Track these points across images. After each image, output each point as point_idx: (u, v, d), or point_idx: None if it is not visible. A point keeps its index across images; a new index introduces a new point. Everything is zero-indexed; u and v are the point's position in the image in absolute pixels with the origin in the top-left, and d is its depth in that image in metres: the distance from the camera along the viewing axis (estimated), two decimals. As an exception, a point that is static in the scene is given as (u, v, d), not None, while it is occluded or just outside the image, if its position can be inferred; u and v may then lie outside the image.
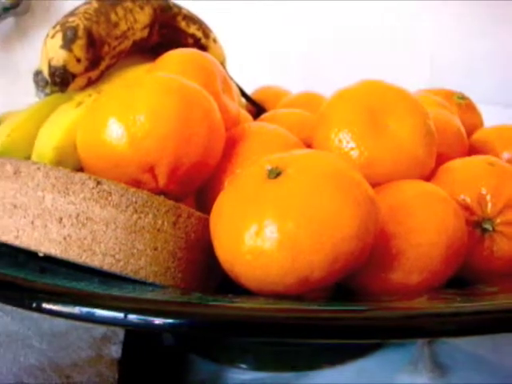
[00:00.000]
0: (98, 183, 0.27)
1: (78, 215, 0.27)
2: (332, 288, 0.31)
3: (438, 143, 0.37)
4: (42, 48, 0.42)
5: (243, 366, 0.41)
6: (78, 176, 0.27)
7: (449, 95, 0.51)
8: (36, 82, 0.46)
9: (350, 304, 0.28)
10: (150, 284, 0.29)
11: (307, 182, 0.27)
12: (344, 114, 0.36)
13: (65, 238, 0.27)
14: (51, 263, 0.30)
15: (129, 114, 0.31)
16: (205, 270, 0.31)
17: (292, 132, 0.38)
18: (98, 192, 0.27)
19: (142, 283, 0.29)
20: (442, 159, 0.38)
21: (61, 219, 0.27)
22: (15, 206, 0.28)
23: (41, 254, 0.28)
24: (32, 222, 0.28)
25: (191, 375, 0.42)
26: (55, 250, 0.27)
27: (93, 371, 0.37)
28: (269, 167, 0.28)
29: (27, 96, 0.77)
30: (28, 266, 0.30)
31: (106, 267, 0.27)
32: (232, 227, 0.28)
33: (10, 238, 0.28)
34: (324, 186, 0.28)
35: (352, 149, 0.35)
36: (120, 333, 0.42)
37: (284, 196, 0.27)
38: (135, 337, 0.42)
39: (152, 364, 0.41)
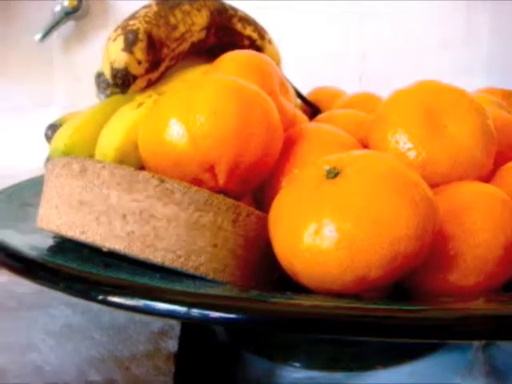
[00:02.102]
0: (161, 181, 0.28)
1: (141, 212, 0.28)
2: (388, 287, 0.31)
3: (496, 143, 0.37)
4: (103, 51, 0.44)
5: (296, 364, 0.41)
6: (142, 174, 0.28)
7: (506, 95, 0.51)
8: (97, 84, 0.48)
9: (407, 304, 0.28)
10: (209, 280, 0.29)
11: (365, 183, 0.28)
12: (401, 115, 0.36)
13: (128, 234, 0.28)
14: (114, 258, 0.31)
15: (189, 115, 0.32)
16: (262, 267, 0.32)
17: (348, 133, 0.38)
18: (161, 190, 0.28)
19: (201, 279, 0.29)
20: (500, 159, 0.37)
21: (125, 216, 0.28)
22: (81, 203, 0.29)
23: (105, 250, 0.29)
24: (97, 219, 0.29)
25: (245, 371, 0.42)
26: (119, 246, 0.28)
27: (150, 364, 0.38)
28: (327, 167, 0.29)
29: (86, 98, 0.80)
30: (92, 260, 0.31)
31: (167, 263, 0.28)
32: (291, 226, 0.28)
33: (75, 234, 0.29)
34: (382, 187, 0.28)
35: (409, 149, 0.35)
36: (176, 328, 0.43)
37: (342, 196, 0.27)
38: (191, 332, 0.43)
39: (207, 359, 0.42)
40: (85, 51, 0.81)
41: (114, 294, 0.25)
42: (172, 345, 0.40)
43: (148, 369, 0.37)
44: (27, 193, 0.49)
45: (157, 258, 0.28)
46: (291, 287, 0.29)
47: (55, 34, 0.79)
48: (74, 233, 0.29)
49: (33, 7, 0.81)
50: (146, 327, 0.43)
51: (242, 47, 0.51)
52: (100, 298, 0.25)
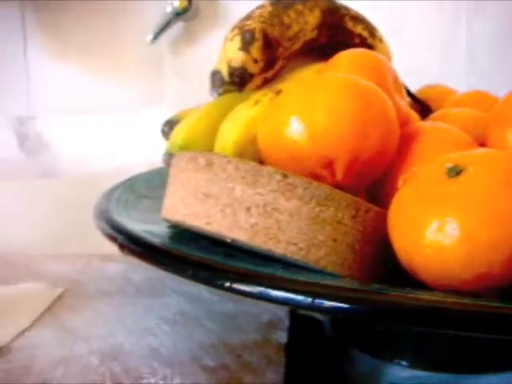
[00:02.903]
0: (284, 176, 0.29)
1: (264, 205, 0.29)
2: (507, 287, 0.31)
3: None
4: (221, 50, 0.45)
5: (403, 362, 0.41)
6: (266, 170, 0.30)
7: None
8: (212, 82, 0.49)
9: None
10: (328, 273, 0.30)
11: (489, 181, 0.28)
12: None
13: (252, 226, 0.29)
14: (232, 249, 0.32)
15: (309, 113, 0.33)
16: (378, 262, 0.32)
17: (464, 131, 0.38)
18: (284, 185, 0.29)
19: (319, 272, 0.30)
20: None
21: (249, 208, 0.30)
22: (207, 195, 0.31)
23: (228, 240, 0.30)
24: (222, 210, 0.30)
25: (351, 367, 0.43)
26: (243, 237, 0.30)
27: (261, 353, 0.39)
28: (449, 165, 0.29)
29: (194, 96, 0.82)
30: (212, 250, 0.32)
31: (288, 255, 0.29)
32: (412, 222, 0.28)
33: (201, 224, 0.31)
34: (506, 185, 0.28)
35: (530, 148, 0.34)
36: (285, 320, 0.44)
37: (465, 194, 0.28)
38: (299, 325, 0.44)
39: (315, 352, 0.42)
40: (194, 51, 0.83)
41: (241, 281, 0.27)
42: (281, 336, 0.41)
43: (259, 357, 0.38)
44: (142, 186, 0.51)
45: (279, 249, 0.29)
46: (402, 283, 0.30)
47: (165, 35, 0.82)
48: (199, 223, 0.31)
49: (144, 9, 0.84)
50: (256, 318, 0.44)
51: (353, 46, 0.51)
52: (227, 285, 0.27)
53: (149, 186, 0.51)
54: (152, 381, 0.36)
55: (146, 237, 0.33)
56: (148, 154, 0.77)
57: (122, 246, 0.34)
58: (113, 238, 0.35)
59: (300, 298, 0.25)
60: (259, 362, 0.38)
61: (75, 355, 0.39)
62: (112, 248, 0.60)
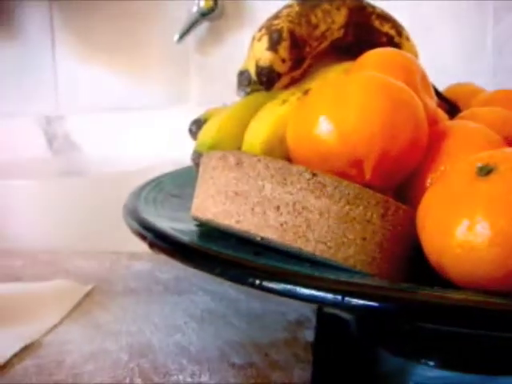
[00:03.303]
0: (314, 175, 0.29)
1: (294, 204, 0.29)
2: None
3: None
4: (248, 50, 0.46)
5: (430, 363, 0.41)
6: (296, 168, 0.30)
7: None
8: (239, 81, 0.50)
9: None
10: (356, 272, 0.30)
11: (520, 180, 0.28)
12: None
13: (281, 225, 0.30)
14: (259, 247, 0.32)
15: (338, 112, 0.33)
16: (406, 261, 0.32)
17: (493, 130, 0.38)
18: (314, 183, 0.29)
19: (347, 271, 0.30)
20: None
21: (278, 207, 0.30)
22: (237, 194, 0.31)
23: (257, 239, 0.31)
24: (252, 209, 0.30)
25: (378, 366, 0.43)
26: (272, 235, 0.30)
27: (289, 352, 0.39)
28: (479, 164, 0.29)
29: (220, 95, 0.83)
30: (240, 249, 0.33)
31: (318, 253, 0.29)
32: (442, 222, 0.28)
33: (231, 223, 0.31)
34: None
35: (562, 148, 0.34)
36: (313, 318, 0.44)
37: (496, 193, 0.27)
38: (326, 324, 0.44)
39: (342, 351, 0.42)
40: (219, 51, 0.84)
41: (270, 279, 0.27)
42: (309, 335, 0.41)
43: (287, 356, 0.38)
44: (169, 184, 0.52)
45: (308, 248, 0.29)
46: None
47: (191, 35, 0.83)
48: (229, 222, 0.31)
49: (170, 9, 0.85)
50: (283, 317, 0.45)
51: (380, 45, 0.51)
52: (256, 283, 0.27)
53: (176, 185, 0.52)
54: (180, 377, 0.36)
55: (175, 235, 0.34)
56: (174, 152, 0.78)
57: (151, 244, 0.34)
58: (142, 237, 0.35)
59: (330, 296, 0.25)
60: (287, 360, 0.38)
61: (105, 351, 0.40)
62: (139, 246, 0.61)
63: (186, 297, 0.49)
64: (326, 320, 0.45)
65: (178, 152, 0.79)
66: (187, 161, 0.65)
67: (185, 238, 0.34)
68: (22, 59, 0.93)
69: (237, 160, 0.31)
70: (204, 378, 0.36)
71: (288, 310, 0.46)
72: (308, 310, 0.45)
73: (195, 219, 0.36)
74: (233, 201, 0.31)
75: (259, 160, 0.31)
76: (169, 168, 0.61)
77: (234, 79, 0.83)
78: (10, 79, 0.94)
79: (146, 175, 0.57)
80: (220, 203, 0.32)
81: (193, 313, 0.46)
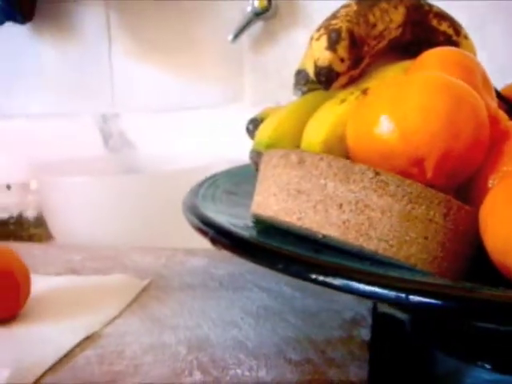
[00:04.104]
0: (377, 174, 0.30)
1: (357, 202, 0.30)
2: None
3: None
4: (307, 49, 0.46)
5: (486, 365, 0.41)
6: (358, 167, 0.30)
7: None
8: (297, 80, 0.50)
9: None
10: (417, 271, 0.30)
11: None
12: None
13: (344, 223, 0.30)
14: (317, 245, 0.33)
15: (400, 111, 0.33)
16: (467, 261, 0.32)
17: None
18: (377, 182, 0.30)
19: (408, 269, 0.30)
20: None
21: (341, 205, 0.30)
22: (299, 192, 0.31)
23: (319, 236, 0.31)
24: (314, 207, 0.31)
25: (433, 367, 0.42)
26: (334, 233, 0.30)
27: (345, 350, 0.39)
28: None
29: (273, 94, 0.84)
30: (300, 245, 0.33)
31: (380, 251, 0.30)
32: (506, 222, 0.28)
33: (293, 220, 0.32)
34: None
35: None
36: (368, 317, 0.44)
37: None
38: (382, 323, 0.44)
39: (398, 350, 0.42)
40: (273, 50, 0.84)
41: (334, 276, 0.27)
42: (365, 333, 0.42)
43: (343, 353, 0.39)
44: (226, 182, 0.52)
45: (370, 246, 0.30)
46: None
47: (245, 34, 0.84)
48: (291, 219, 0.32)
49: (224, 9, 0.86)
50: (338, 315, 0.45)
51: (438, 43, 0.51)
52: (320, 279, 0.27)
53: (232, 183, 0.52)
54: (238, 371, 0.37)
55: (236, 231, 0.34)
56: (228, 150, 0.79)
57: (213, 240, 0.35)
58: (204, 232, 0.36)
59: (393, 294, 0.25)
60: (343, 358, 0.38)
61: (163, 344, 0.41)
62: (194, 243, 0.62)
63: (242, 293, 0.50)
64: (381, 319, 0.45)
65: (232, 150, 0.80)
66: (241, 159, 0.66)
67: (246, 234, 0.34)
68: (80, 59, 0.95)
69: (299, 158, 0.32)
70: (261, 373, 0.36)
71: (343, 308, 0.46)
72: (363, 309, 0.46)
73: (255, 216, 0.36)
74: (295, 198, 0.32)
75: (322, 158, 0.31)
76: (223, 166, 0.62)
77: (287, 78, 0.83)
78: (68, 79, 0.97)
79: (200, 173, 0.58)
80: (282, 201, 0.32)
81: (249, 309, 0.47)
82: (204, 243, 0.65)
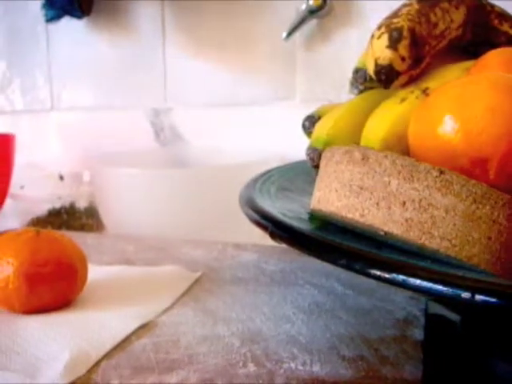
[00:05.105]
0: (441, 173, 0.30)
1: (420, 200, 0.30)
2: None
3: None
4: (367, 48, 0.46)
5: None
6: (423, 165, 0.30)
7: None
8: (354, 79, 0.50)
9: None
10: (480, 271, 0.30)
11: None
12: None
13: (407, 221, 0.30)
14: (376, 242, 0.33)
15: (465, 111, 0.33)
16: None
17: None
18: (441, 181, 0.30)
19: (470, 269, 0.30)
20: None
21: (404, 203, 0.30)
22: (361, 188, 0.32)
23: (381, 233, 0.31)
24: (377, 204, 0.31)
25: (486, 369, 0.42)
26: (397, 231, 0.30)
27: (399, 349, 0.39)
28: None
29: (324, 92, 0.84)
30: (360, 242, 0.33)
31: (442, 250, 0.30)
32: None
33: (355, 216, 0.32)
34: None
35: None
36: (421, 318, 0.44)
37: None
38: (435, 324, 0.44)
39: (451, 352, 0.42)
40: (326, 48, 0.84)
41: (399, 273, 0.27)
42: (418, 333, 0.41)
43: (397, 352, 0.39)
44: (281, 178, 0.53)
45: (432, 245, 0.30)
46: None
47: (299, 32, 0.84)
48: (353, 215, 0.32)
49: (278, 7, 0.87)
50: (391, 314, 0.45)
51: (499, 44, 0.50)
52: (385, 276, 0.27)
53: (286, 179, 0.53)
54: (292, 365, 0.37)
55: (296, 225, 0.34)
56: (279, 147, 0.80)
57: (273, 234, 0.35)
58: (263, 227, 0.37)
59: (459, 292, 0.25)
60: (397, 356, 0.38)
61: (217, 335, 0.42)
62: (244, 237, 0.63)
63: (293, 289, 0.51)
64: (433, 320, 0.44)
65: (282, 147, 0.81)
66: (292, 155, 0.67)
67: (307, 229, 0.35)
68: (134, 55, 0.97)
69: (362, 155, 0.32)
70: (315, 368, 0.37)
71: (395, 307, 0.46)
72: (415, 309, 0.46)
73: (316, 212, 0.36)
74: (357, 195, 0.32)
75: (386, 156, 0.31)
76: (274, 162, 0.63)
77: (338, 77, 0.83)
78: (123, 74, 0.99)
79: (249, 169, 0.58)
80: (344, 197, 0.32)
81: (300, 304, 0.47)
82: (252, 238, 0.66)
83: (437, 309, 0.46)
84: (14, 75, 1.10)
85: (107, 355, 0.39)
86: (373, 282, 0.51)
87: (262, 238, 0.64)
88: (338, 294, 0.49)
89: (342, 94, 0.81)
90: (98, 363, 0.38)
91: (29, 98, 1.08)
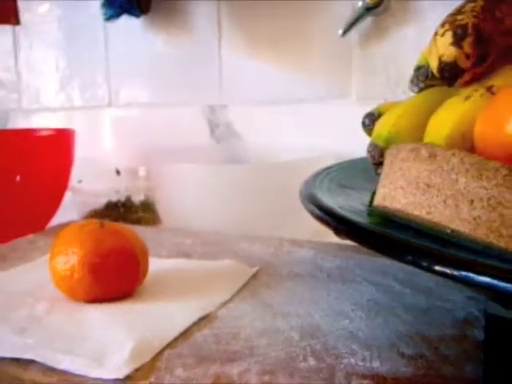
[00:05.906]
0: (511, 171, 0.29)
1: (489, 199, 0.30)
2: None
3: None
4: (430, 45, 0.46)
5: None
6: (492, 164, 0.30)
7: None
8: (415, 76, 0.50)
9: None
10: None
11: None
12: None
13: (474, 219, 0.30)
14: (440, 241, 0.33)
15: (535, 109, 0.33)
16: None
17: None
18: (510, 180, 0.29)
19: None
20: None
21: (472, 201, 0.30)
22: (428, 186, 0.32)
23: (448, 231, 0.31)
24: (444, 201, 0.31)
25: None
26: (464, 229, 0.30)
27: (459, 348, 0.39)
28: None
29: (379, 90, 0.83)
30: (424, 239, 0.33)
31: (510, 249, 0.29)
32: None
33: (421, 213, 0.32)
34: None
35: None
36: (481, 318, 0.43)
37: None
38: (495, 325, 0.44)
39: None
40: (382, 46, 0.84)
41: (468, 270, 0.27)
42: (478, 333, 0.41)
43: (457, 352, 0.38)
44: (340, 175, 0.53)
45: (500, 243, 0.29)
46: None
47: (355, 29, 0.84)
48: (419, 212, 0.32)
49: (334, 4, 0.86)
50: (450, 314, 0.45)
51: None
52: (454, 274, 0.27)
53: (345, 176, 0.53)
54: (352, 361, 0.37)
55: (360, 222, 0.35)
56: (334, 144, 0.80)
57: (337, 230, 0.36)
58: (326, 223, 0.37)
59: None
60: (457, 355, 0.38)
61: (276, 329, 0.42)
62: (299, 234, 0.63)
63: (350, 286, 0.51)
64: (494, 320, 0.44)
65: (337, 144, 0.81)
66: (347, 153, 0.67)
67: (373, 226, 0.35)
68: (191, 53, 0.99)
69: (430, 153, 0.32)
70: (375, 364, 0.37)
71: (454, 307, 0.46)
72: (474, 309, 0.45)
73: (379, 209, 0.37)
74: (424, 192, 0.32)
75: (454, 154, 0.31)
76: (328, 160, 0.63)
77: (394, 75, 0.83)
78: (179, 72, 1.00)
79: (304, 166, 0.59)
80: (410, 194, 0.32)
81: (358, 301, 0.47)
82: (305, 235, 0.66)
83: (496, 309, 0.46)
84: (74, 73, 1.13)
85: (170, 344, 0.40)
86: (430, 281, 0.51)
87: (315, 235, 0.64)
88: (396, 292, 0.49)
89: (398, 92, 0.81)
90: (161, 352, 0.39)
91: (88, 94, 1.11)
